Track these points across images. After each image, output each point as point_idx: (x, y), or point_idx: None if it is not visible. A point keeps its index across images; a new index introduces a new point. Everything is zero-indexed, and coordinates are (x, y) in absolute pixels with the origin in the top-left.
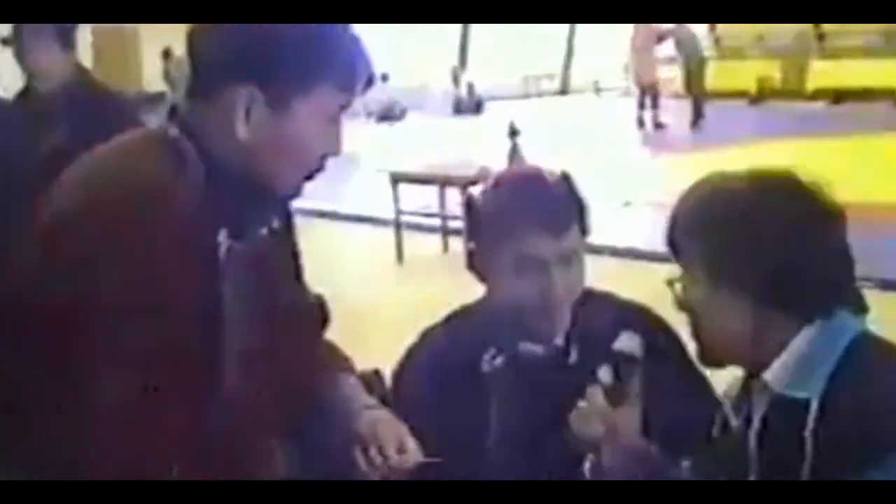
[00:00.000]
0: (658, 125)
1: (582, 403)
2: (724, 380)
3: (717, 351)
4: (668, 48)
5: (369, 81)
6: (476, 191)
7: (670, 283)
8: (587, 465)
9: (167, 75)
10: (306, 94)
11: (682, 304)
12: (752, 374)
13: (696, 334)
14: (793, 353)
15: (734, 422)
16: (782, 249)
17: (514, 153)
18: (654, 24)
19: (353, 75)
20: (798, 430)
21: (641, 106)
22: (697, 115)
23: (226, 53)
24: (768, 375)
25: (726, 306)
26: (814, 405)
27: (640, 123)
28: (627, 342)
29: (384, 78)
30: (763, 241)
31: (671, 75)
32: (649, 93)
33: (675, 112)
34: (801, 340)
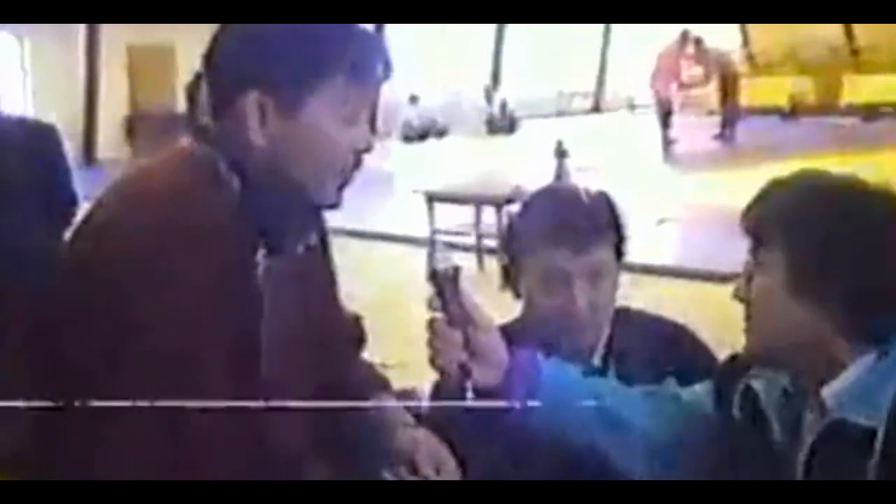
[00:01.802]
0: (668, 142)
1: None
2: None
3: (771, 351)
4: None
5: (387, 71)
6: (513, 208)
7: (738, 296)
8: (469, 390)
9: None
10: (316, 92)
11: (743, 295)
12: (802, 385)
13: (750, 328)
14: (853, 376)
15: (777, 435)
16: (879, 270)
17: (561, 173)
18: (680, 46)
19: (363, 66)
20: (860, 457)
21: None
22: (723, 128)
23: (231, 65)
24: (827, 395)
25: (796, 310)
26: (880, 434)
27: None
28: (439, 262)
29: (413, 99)
30: (860, 257)
31: (704, 92)
32: (663, 110)
33: (709, 130)
34: (863, 364)
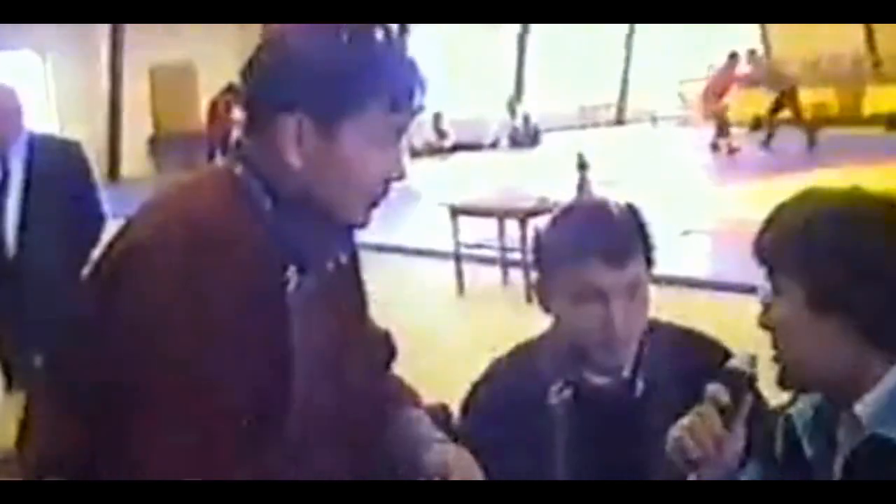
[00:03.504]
0: (731, 150)
1: (686, 421)
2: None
3: (803, 375)
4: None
5: (423, 101)
6: (541, 221)
7: (763, 325)
8: None
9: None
10: (355, 117)
11: (767, 323)
12: (835, 404)
13: (780, 355)
14: (885, 389)
15: (808, 451)
16: (893, 280)
17: (583, 186)
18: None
19: (402, 95)
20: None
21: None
22: (811, 140)
23: (271, 84)
24: (860, 411)
25: (821, 331)
26: None
27: (715, 147)
28: (740, 362)
29: (437, 117)
30: (873, 271)
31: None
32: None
33: (734, 140)
34: (894, 377)
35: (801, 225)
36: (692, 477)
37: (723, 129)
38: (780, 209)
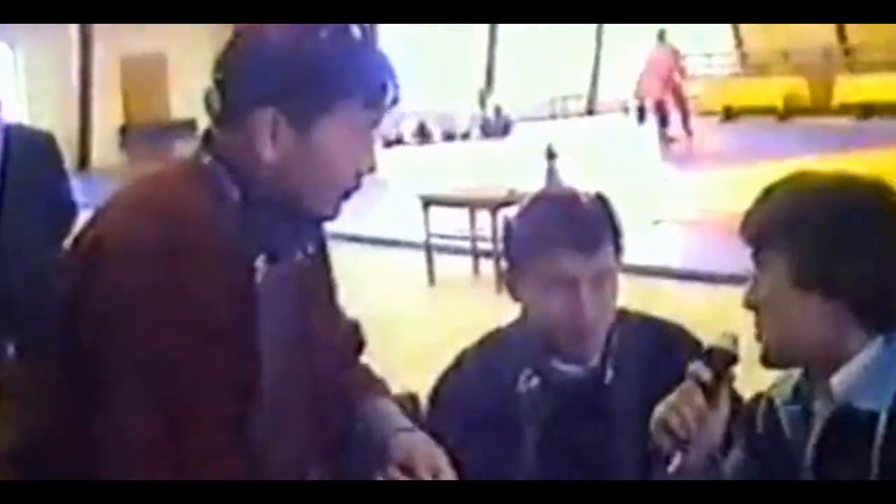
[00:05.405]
0: (670, 139)
1: (670, 399)
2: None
3: (786, 352)
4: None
5: (396, 96)
6: (512, 212)
7: (748, 304)
8: (674, 465)
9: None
10: (330, 112)
11: (752, 301)
12: (813, 379)
13: (763, 333)
14: (861, 362)
15: (787, 428)
16: (875, 259)
17: (552, 175)
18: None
19: (377, 91)
20: (865, 442)
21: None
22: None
23: (247, 78)
24: (835, 382)
25: (806, 309)
26: (882, 418)
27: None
28: (722, 340)
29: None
30: (857, 249)
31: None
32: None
33: (705, 130)
34: (871, 351)
35: (791, 203)
36: (676, 455)
37: (665, 119)
38: (770, 189)
